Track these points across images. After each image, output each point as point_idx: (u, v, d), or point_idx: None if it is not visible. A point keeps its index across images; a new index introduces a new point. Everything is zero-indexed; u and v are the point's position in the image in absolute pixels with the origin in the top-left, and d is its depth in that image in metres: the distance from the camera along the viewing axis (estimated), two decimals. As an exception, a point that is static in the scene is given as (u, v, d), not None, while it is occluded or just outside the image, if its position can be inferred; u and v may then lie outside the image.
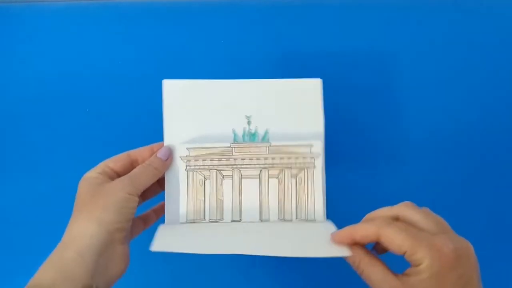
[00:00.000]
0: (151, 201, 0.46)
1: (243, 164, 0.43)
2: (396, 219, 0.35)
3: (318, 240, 0.37)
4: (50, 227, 0.49)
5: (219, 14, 0.60)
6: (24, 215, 0.55)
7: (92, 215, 0.36)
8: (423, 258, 0.31)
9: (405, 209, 0.35)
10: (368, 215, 0.37)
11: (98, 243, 0.35)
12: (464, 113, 0.57)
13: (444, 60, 0.59)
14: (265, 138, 0.44)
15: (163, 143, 0.44)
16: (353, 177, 0.55)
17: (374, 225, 0.33)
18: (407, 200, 0.37)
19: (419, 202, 0.40)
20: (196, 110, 0.44)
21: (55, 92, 0.59)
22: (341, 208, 0.49)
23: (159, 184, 0.44)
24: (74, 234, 0.36)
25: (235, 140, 0.44)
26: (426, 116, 0.57)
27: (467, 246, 0.33)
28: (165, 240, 0.38)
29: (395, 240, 0.32)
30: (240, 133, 0.44)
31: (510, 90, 0.58)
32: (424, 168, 0.56)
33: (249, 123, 0.44)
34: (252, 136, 0.44)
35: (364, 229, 0.34)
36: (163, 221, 0.43)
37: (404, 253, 0.32)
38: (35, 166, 0.57)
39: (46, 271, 0.33)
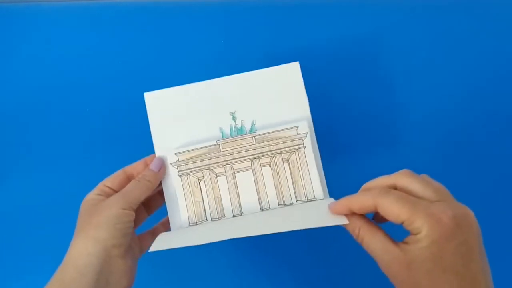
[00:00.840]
0: (159, 214, 0.47)
1: (233, 159, 0.43)
2: (394, 188, 0.34)
3: (317, 213, 0.37)
4: (51, 226, 0.53)
5: (219, 14, 0.61)
6: (23, 216, 0.56)
7: (88, 234, 0.37)
8: (422, 227, 0.30)
9: (402, 177, 0.34)
10: (365, 185, 0.36)
11: (97, 261, 0.36)
12: (460, 100, 0.57)
13: (437, 46, 0.58)
14: (252, 131, 0.44)
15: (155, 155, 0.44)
16: (349, 163, 0.55)
17: (370, 196, 0.33)
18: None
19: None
20: (181, 116, 0.44)
21: (55, 92, 0.59)
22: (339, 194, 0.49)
23: (162, 196, 0.45)
24: (73, 254, 0.37)
25: (223, 138, 0.44)
26: (421, 101, 0.57)
27: (467, 213, 0.32)
28: (163, 240, 0.38)
29: (392, 209, 0.31)
30: (227, 130, 0.44)
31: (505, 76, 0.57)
32: (421, 153, 0.55)
33: (234, 118, 0.44)
34: (239, 131, 0.44)
35: (361, 200, 0.33)
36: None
37: (402, 222, 0.31)
38: (35, 166, 0.57)
39: None
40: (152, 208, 0.46)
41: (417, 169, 0.37)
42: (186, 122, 0.44)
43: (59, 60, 0.60)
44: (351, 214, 0.34)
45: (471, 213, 0.32)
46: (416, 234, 0.31)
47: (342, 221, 0.34)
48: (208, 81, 0.44)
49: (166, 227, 0.45)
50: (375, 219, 0.36)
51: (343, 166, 0.54)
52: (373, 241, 0.33)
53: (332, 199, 0.42)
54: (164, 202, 0.44)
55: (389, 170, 0.44)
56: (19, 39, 0.62)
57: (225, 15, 0.61)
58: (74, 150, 0.57)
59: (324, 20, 0.59)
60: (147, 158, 0.44)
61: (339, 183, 0.43)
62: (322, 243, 0.52)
